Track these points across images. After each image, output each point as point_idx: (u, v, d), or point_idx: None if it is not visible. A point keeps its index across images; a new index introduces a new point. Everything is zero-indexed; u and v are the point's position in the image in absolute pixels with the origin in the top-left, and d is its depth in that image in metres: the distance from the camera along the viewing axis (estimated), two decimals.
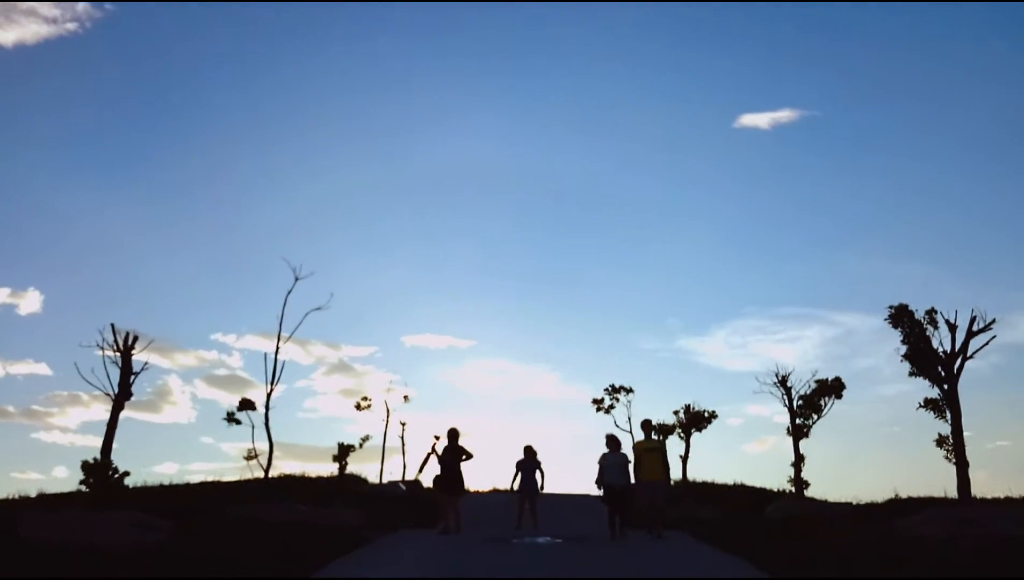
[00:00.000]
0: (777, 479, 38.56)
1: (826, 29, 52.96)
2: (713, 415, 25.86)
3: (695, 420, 25.74)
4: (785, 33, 52.87)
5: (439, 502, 16.41)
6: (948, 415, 14.48)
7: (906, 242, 54.32)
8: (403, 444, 34.18)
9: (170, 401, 51.69)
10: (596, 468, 14.99)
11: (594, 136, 60.17)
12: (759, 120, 52.01)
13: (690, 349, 51.02)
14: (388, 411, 33.28)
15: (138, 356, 14.02)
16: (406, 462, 34.22)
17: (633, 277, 57.70)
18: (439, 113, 60.91)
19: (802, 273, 54.51)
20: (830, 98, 55.99)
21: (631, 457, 14.94)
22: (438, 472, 16.27)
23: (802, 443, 23.15)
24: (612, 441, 15.28)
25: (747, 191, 57.35)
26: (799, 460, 18.32)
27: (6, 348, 54.22)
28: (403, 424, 34.38)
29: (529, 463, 18.19)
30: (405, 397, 33.78)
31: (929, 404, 14.59)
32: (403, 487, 30.28)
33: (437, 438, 16.96)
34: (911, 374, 14.73)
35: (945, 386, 14.44)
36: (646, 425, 14.90)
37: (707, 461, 50.76)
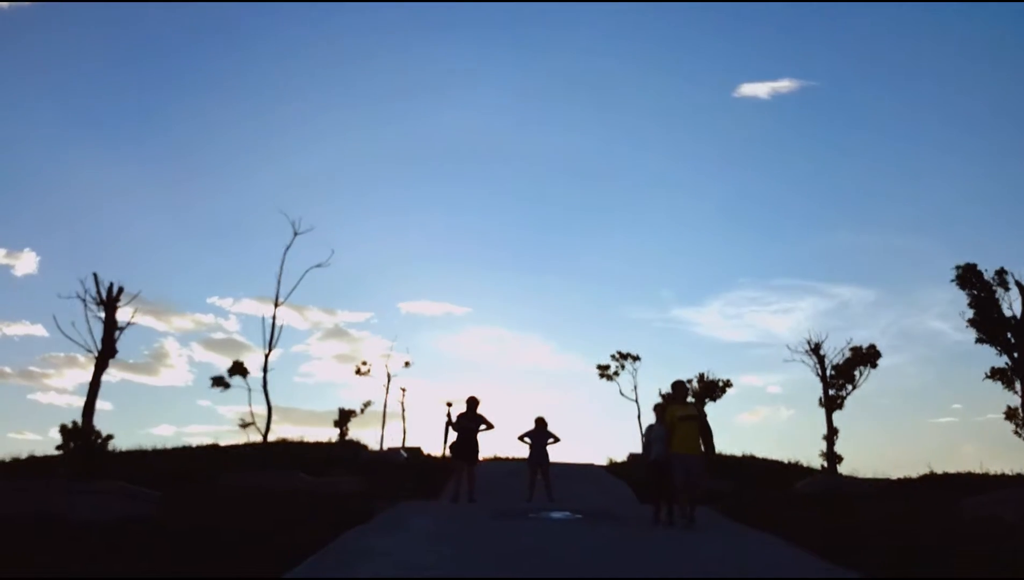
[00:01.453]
0: (767, 448, 37.81)
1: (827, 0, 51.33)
2: (728, 384, 24.96)
3: (709, 389, 24.80)
4: (786, 3, 51.42)
5: (454, 468, 15.98)
6: (1019, 386, 13.26)
7: (900, 215, 53.76)
8: (403, 410, 33.26)
9: (167, 364, 51.15)
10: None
11: (592, 106, 59.40)
12: (759, 89, 51.24)
13: (685, 319, 50.79)
14: (389, 376, 32.31)
15: (124, 313, 12.85)
16: (406, 428, 33.37)
17: (629, 247, 57.24)
18: (437, 82, 60.02)
19: (797, 244, 54.05)
20: (830, 69, 55.17)
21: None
22: (454, 439, 16.09)
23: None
24: (660, 409, 12.92)
25: (744, 161, 56.73)
26: (832, 433, 17.27)
27: (2, 309, 53.31)
28: (403, 390, 33.45)
29: (540, 434, 17.35)
30: (406, 362, 32.78)
31: (996, 374, 13.21)
32: (404, 454, 29.39)
33: (450, 405, 16.43)
34: (977, 341, 13.44)
35: (1016, 354, 13.14)
36: (679, 388, 12.32)
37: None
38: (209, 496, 13.15)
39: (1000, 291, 13.19)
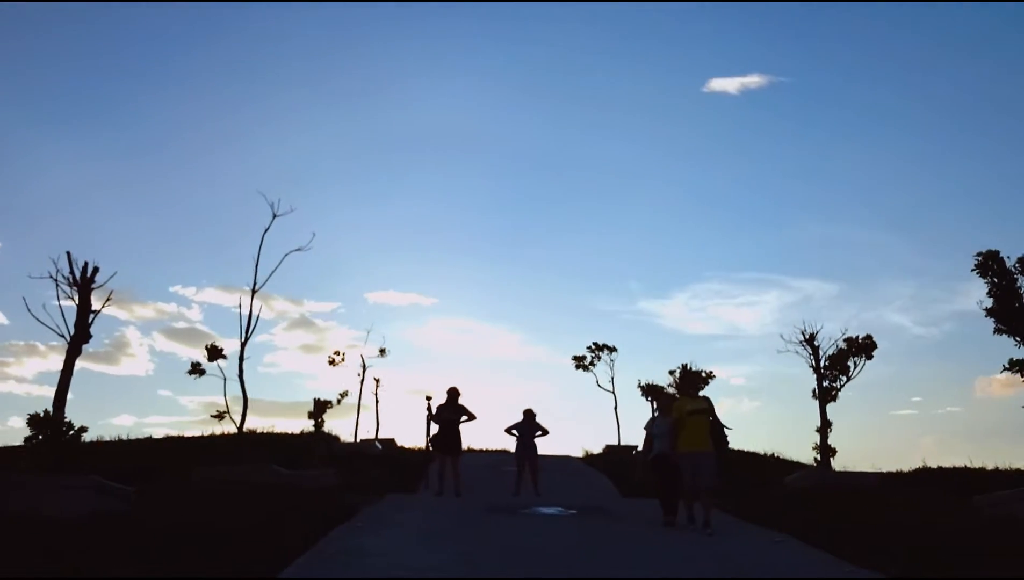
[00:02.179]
0: (736, 440, 37.75)
1: None
2: (711, 376, 24.58)
3: (692, 380, 24.40)
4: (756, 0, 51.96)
5: (438, 462, 15.51)
6: None
7: (865, 210, 54.87)
8: (376, 401, 32.56)
9: (128, 353, 49.98)
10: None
11: (563, 99, 59.60)
12: (728, 85, 51.98)
13: (651, 311, 51.35)
14: (364, 366, 31.58)
15: (102, 298, 12.04)
16: (379, 419, 32.67)
17: (597, 239, 57.82)
18: (406, 73, 59.37)
19: (762, 238, 55.06)
20: (799, 65, 56.07)
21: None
22: (435, 431, 15.71)
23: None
24: (664, 400, 12.20)
25: (713, 155, 57.56)
26: (825, 426, 16.92)
27: None
28: (377, 380, 32.73)
29: (528, 426, 16.94)
30: (382, 350, 32.06)
31: (1015, 365, 12.83)
32: (379, 446, 28.80)
33: (429, 398, 15.93)
34: (996, 332, 13.04)
35: None
36: (688, 379, 11.71)
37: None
38: (184, 490, 12.50)
39: (1022, 279, 12.82)
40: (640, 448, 11.63)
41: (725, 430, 11.09)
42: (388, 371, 32.65)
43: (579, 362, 34.77)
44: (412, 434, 54.56)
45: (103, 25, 56.77)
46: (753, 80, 53.82)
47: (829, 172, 55.91)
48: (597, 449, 30.99)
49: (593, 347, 34.66)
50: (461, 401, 15.65)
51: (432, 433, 15.89)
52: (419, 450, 31.08)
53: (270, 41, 59.39)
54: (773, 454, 27.96)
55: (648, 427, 11.56)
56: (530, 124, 60.36)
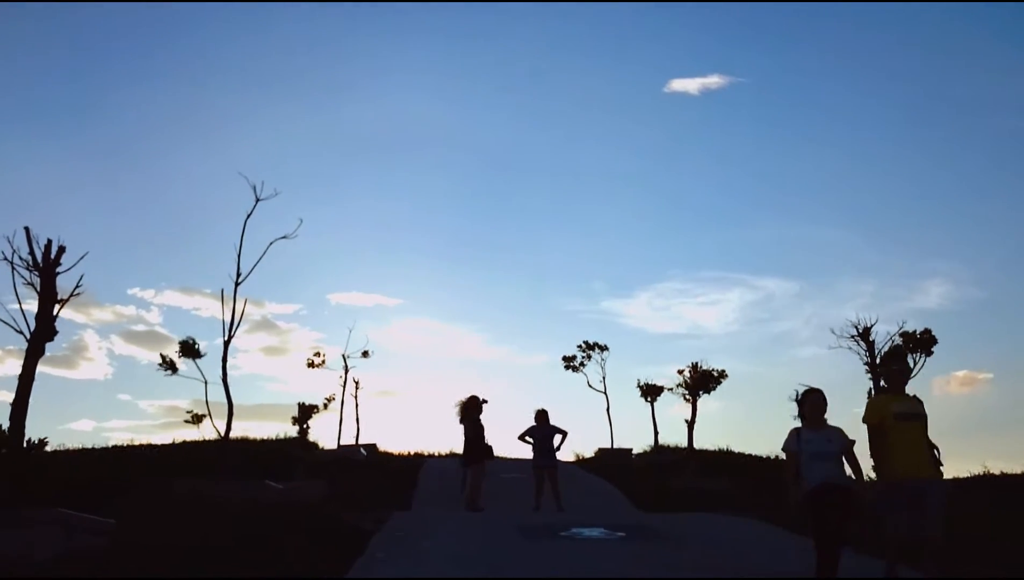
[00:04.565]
0: (711, 439, 37.02)
1: None
2: (723, 375, 23.18)
3: (703, 381, 23.00)
4: (715, 1, 52.59)
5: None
6: None
7: (825, 208, 56.15)
8: (356, 405, 30.71)
9: (86, 356, 47.96)
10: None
11: (525, 99, 59.75)
12: (689, 85, 52.69)
13: (614, 311, 51.48)
14: (347, 367, 29.75)
15: (69, 286, 10.00)
16: (360, 423, 30.86)
17: (560, 239, 58.49)
18: (368, 71, 58.37)
19: (724, 237, 56.20)
20: (758, 65, 57.13)
21: (826, 434, 7.11)
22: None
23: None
24: (814, 404, 7.19)
25: (674, 155, 58.71)
26: None
27: None
28: (357, 383, 30.92)
29: (544, 430, 15.14)
30: (365, 353, 30.24)
31: None
32: (363, 452, 26.97)
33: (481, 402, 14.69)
34: None
35: None
36: (895, 358, 7.56)
37: (631, 424, 51.70)
38: (171, 515, 10.64)
39: None
40: (785, 473, 7.27)
41: (936, 451, 7.45)
42: (356, 372, 31.39)
43: (569, 362, 33.24)
44: (391, 437, 53.61)
45: (62, 21, 54.03)
46: (713, 80, 54.81)
47: (789, 171, 57.23)
48: (588, 452, 29.44)
49: (584, 346, 33.17)
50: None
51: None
52: (405, 455, 29.58)
53: (232, 40, 57.36)
54: (777, 456, 26.71)
55: (792, 445, 7.14)
56: (493, 124, 60.42)
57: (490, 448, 14.67)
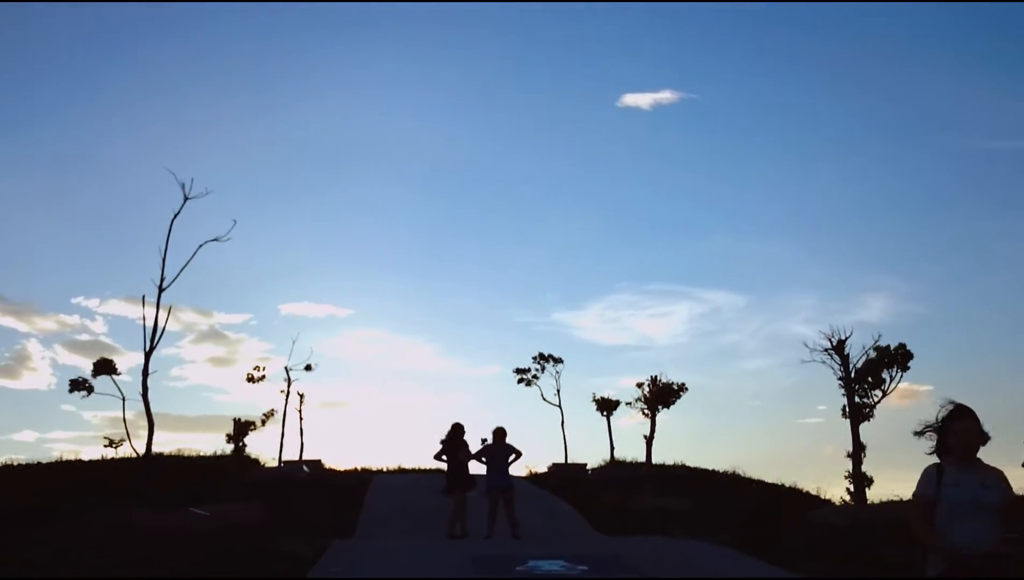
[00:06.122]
0: (662, 454, 36.79)
1: (709, 12, 54.68)
2: (683, 388, 22.45)
3: (663, 394, 22.22)
4: (669, 13, 54.18)
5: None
6: None
7: (771, 223, 58.31)
8: (300, 419, 29.29)
9: (28, 366, 46.43)
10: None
11: (477, 110, 60.62)
12: (641, 100, 53.72)
13: (565, 323, 52.31)
14: (289, 381, 28.32)
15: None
16: (303, 439, 29.44)
17: (511, 251, 59.36)
18: (322, 79, 57.85)
19: (673, 251, 58.21)
20: (709, 82, 59.18)
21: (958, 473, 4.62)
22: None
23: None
24: (966, 431, 4.62)
25: (625, 169, 60.60)
26: (859, 450, 14.20)
27: None
28: (301, 396, 29.52)
29: (500, 450, 14.13)
30: (308, 366, 28.84)
31: None
32: (306, 470, 25.63)
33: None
34: None
35: None
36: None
37: (583, 438, 52.28)
38: (85, 553, 9.35)
39: None
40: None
41: None
42: (300, 384, 30.38)
43: (522, 375, 32.28)
44: (338, 451, 52.54)
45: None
46: (665, 96, 56.19)
47: (737, 186, 59.17)
48: (541, 467, 28.51)
49: (537, 357, 32.26)
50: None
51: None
52: (351, 471, 28.36)
53: (176, 39, 55.66)
54: (734, 472, 26.16)
55: (928, 489, 4.69)
56: (446, 135, 60.73)
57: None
